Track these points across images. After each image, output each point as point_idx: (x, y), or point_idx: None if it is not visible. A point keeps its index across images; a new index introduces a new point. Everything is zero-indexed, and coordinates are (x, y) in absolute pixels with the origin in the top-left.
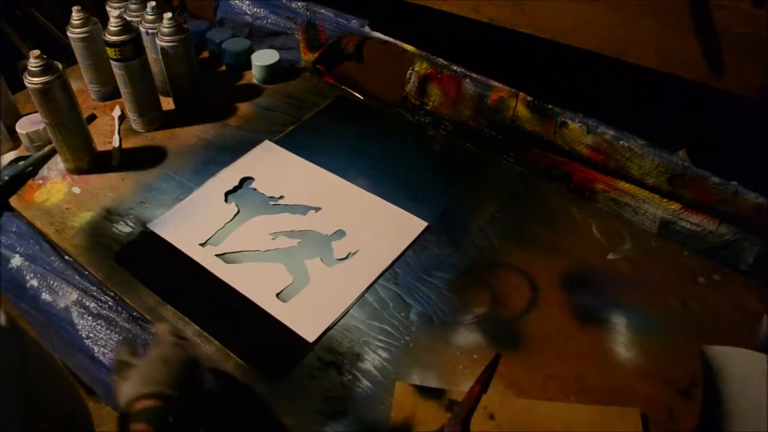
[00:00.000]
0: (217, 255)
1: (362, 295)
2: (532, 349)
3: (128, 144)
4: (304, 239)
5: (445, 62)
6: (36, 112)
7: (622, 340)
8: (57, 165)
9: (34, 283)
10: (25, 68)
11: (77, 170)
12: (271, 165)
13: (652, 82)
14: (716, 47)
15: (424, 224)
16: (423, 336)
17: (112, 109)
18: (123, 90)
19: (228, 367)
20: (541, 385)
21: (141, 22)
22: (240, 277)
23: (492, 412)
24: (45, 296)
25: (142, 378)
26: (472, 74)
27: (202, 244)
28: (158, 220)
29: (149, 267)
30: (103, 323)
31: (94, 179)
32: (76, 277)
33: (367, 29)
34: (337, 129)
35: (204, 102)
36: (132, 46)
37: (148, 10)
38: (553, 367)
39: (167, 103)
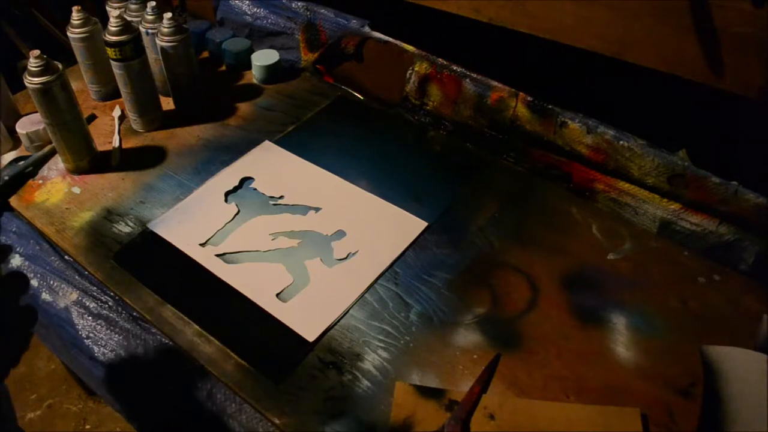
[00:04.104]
0: (217, 255)
1: (362, 295)
2: (532, 349)
3: (128, 144)
4: (304, 239)
5: (445, 62)
6: (36, 112)
7: (622, 340)
8: (57, 165)
9: (34, 283)
10: (25, 68)
11: (77, 170)
12: (271, 165)
13: (652, 82)
14: (716, 47)
15: (424, 224)
16: (423, 336)
17: (112, 109)
18: (123, 90)
19: (228, 367)
20: (541, 385)
21: (141, 22)
22: (240, 277)
23: (492, 412)
24: (45, 296)
25: None
26: (472, 74)
27: (202, 244)
28: (158, 220)
29: (149, 267)
30: (103, 323)
31: (94, 179)
32: (76, 277)
33: (367, 29)
34: (337, 129)
35: (204, 102)
36: (132, 46)
37: (148, 10)
38: (553, 367)
39: (167, 103)
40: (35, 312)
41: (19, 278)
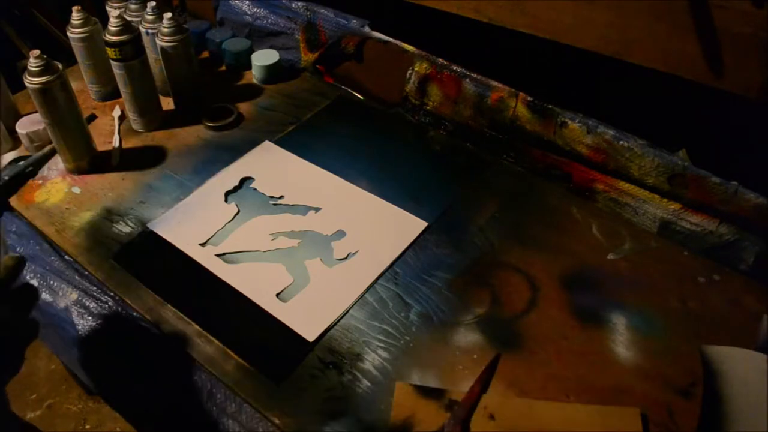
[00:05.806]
0: (217, 255)
1: (362, 295)
2: (532, 349)
3: (128, 144)
4: (304, 239)
5: (445, 62)
6: (36, 112)
7: (622, 340)
8: (57, 165)
9: (34, 283)
10: (25, 68)
11: (77, 170)
12: (271, 165)
13: (652, 82)
14: (716, 47)
15: (424, 224)
16: (423, 336)
17: (112, 109)
18: (123, 90)
19: (228, 367)
20: (541, 385)
21: (141, 22)
22: (240, 277)
23: (492, 412)
24: (45, 296)
25: None
26: (472, 74)
27: (202, 244)
28: (158, 220)
29: (149, 267)
30: (103, 323)
31: (94, 179)
32: (76, 277)
33: (367, 29)
34: (337, 129)
35: (204, 102)
36: (132, 46)
37: (148, 10)
38: (553, 367)
39: (167, 103)
40: (38, 325)
41: (30, 292)
